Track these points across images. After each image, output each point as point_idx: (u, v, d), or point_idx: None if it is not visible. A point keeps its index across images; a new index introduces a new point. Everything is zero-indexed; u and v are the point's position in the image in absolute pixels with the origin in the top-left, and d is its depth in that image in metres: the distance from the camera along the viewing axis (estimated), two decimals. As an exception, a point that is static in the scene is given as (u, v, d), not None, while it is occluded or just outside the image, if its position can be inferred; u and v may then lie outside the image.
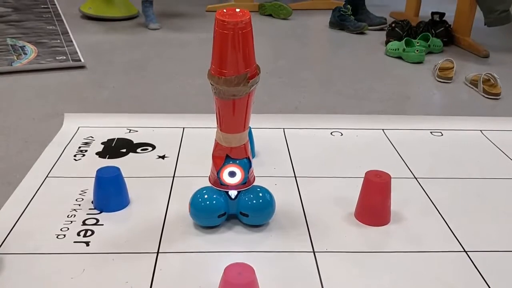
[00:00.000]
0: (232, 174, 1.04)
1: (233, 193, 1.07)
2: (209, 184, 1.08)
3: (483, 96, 1.99)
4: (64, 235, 1.06)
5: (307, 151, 1.47)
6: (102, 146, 1.46)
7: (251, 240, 1.06)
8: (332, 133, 1.59)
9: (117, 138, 1.51)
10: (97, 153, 1.41)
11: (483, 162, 1.45)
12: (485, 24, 2.49)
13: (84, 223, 1.10)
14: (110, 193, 1.14)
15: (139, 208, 1.17)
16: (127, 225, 1.10)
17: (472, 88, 2.07)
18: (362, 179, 1.13)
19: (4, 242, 1.03)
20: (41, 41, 2.49)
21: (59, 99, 1.83)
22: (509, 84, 2.06)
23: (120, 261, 0.99)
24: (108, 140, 1.49)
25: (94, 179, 1.14)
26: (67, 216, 1.12)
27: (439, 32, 2.66)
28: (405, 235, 1.10)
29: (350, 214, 1.16)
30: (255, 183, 1.09)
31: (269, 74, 2.13)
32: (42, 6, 3.29)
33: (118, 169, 1.16)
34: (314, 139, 1.55)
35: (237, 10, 0.92)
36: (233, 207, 1.08)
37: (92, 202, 1.16)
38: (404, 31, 2.62)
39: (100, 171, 1.14)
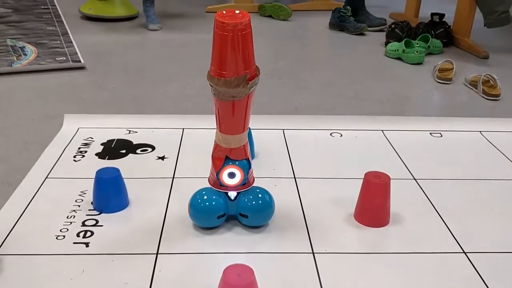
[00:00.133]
0: (231, 175, 1.05)
1: (232, 194, 1.07)
2: (208, 185, 1.08)
3: (483, 97, 1.99)
4: (64, 236, 1.06)
5: (307, 152, 1.47)
6: (102, 147, 1.46)
7: (251, 241, 1.06)
8: (332, 134, 1.59)
9: (117, 139, 1.51)
10: (96, 154, 1.41)
11: (483, 163, 1.45)
12: (484, 25, 2.49)
13: (83, 224, 1.10)
14: (109, 194, 1.14)
15: (139, 209, 1.17)
16: (126, 226, 1.10)
17: (471, 89, 2.07)
18: (362, 180, 1.13)
19: (4, 242, 1.03)
20: (41, 42, 2.49)
21: (59, 100, 1.83)
22: (508, 85, 2.06)
23: (120, 262, 0.99)
24: (107, 141, 1.49)
25: (93, 180, 1.14)
26: (67, 217, 1.12)
27: (439, 33, 2.66)
28: (405, 236, 1.10)
29: (350, 215, 1.16)
30: (254, 184, 1.09)
31: (269, 75, 2.13)
32: (42, 7, 3.29)
33: (117, 170, 1.16)
34: (313, 140, 1.55)
35: (237, 11, 0.92)
36: (232, 208, 1.08)
37: (91, 203, 1.16)
38: (403, 32, 2.62)
39: (99, 172, 1.14)
